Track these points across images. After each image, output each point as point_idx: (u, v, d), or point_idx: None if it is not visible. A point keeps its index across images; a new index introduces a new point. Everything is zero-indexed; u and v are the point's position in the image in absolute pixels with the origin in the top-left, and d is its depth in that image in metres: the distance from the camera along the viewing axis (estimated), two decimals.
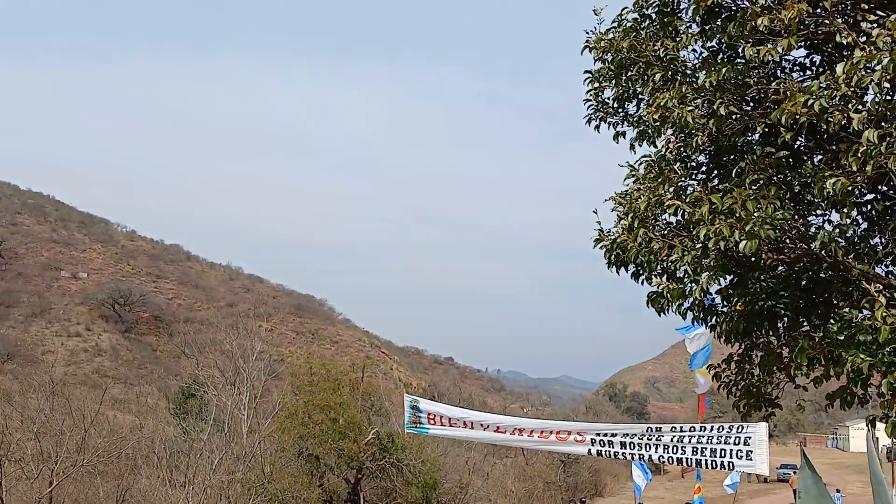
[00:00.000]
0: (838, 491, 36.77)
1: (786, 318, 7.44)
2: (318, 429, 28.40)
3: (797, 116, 6.18)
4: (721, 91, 6.99)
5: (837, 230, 6.85)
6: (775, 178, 6.79)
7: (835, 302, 7.20)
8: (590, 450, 8.49)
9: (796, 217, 6.89)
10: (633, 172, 7.65)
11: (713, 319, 7.77)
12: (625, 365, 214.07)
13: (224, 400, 29.18)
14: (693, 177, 7.85)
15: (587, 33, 8.35)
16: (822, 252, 6.81)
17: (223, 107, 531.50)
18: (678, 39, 7.63)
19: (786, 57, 7.45)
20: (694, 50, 7.69)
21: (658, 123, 7.32)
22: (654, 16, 8.04)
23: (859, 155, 5.91)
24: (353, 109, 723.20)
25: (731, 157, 7.56)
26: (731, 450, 7.59)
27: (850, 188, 6.19)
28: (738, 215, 6.42)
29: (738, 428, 7.63)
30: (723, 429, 7.73)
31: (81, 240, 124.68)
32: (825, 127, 6.21)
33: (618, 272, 7.72)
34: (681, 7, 7.86)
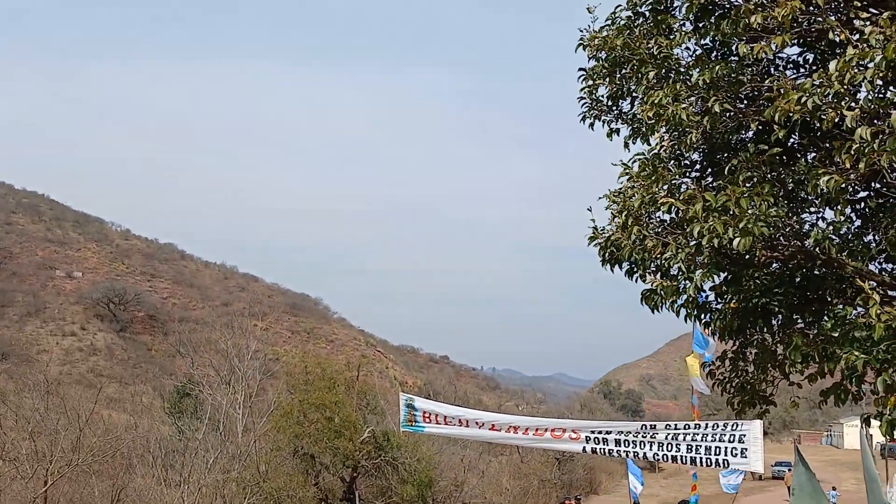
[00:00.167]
0: (834, 489, 36.80)
1: (780, 315, 7.45)
2: (313, 427, 28.34)
3: (790, 114, 6.18)
4: (715, 88, 6.99)
5: (831, 227, 6.86)
6: (769, 175, 6.80)
7: (829, 299, 7.21)
8: (584, 447, 8.49)
9: (790, 214, 6.90)
10: (627, 170, 7.65)
11: (707, 317, 7.77)
12: (619, 363, 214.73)
13: (219, 399, 29.06)
14: (687, 174, 7.86)
15: (581, 31, 8.36)
16: (816, 249, 6.82)
17: (219, 106, 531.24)
18: (672, 37, 7.63)
19: (779, 54, 7.46)
20: (687, 48, 7.70)
21: (652, 121, 7.32)
22: (647, 13, 8.04)
23: (852, 152, 5.92)
24: (347, 109, 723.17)
25: (725, 154, 7.55)
26: (726, 447, 7.58)
27: (843, 185, 6.21)
28: (731, 213, 6.43)
29: (732, 425, 7.64)
30: (717, 426, 7.73)
31: (76, 239, 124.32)
32: (818, 124, 6.22)
33: (612, 270, 7.73)
34: (674, 5, 7.85)
